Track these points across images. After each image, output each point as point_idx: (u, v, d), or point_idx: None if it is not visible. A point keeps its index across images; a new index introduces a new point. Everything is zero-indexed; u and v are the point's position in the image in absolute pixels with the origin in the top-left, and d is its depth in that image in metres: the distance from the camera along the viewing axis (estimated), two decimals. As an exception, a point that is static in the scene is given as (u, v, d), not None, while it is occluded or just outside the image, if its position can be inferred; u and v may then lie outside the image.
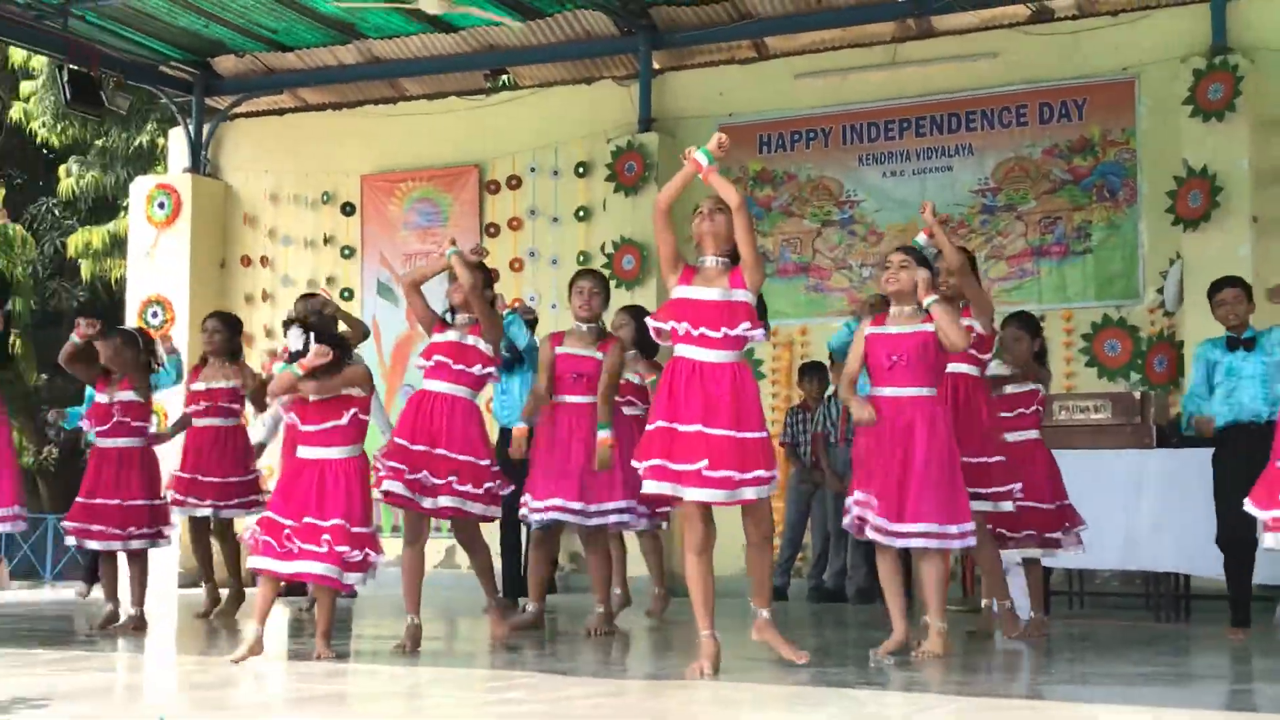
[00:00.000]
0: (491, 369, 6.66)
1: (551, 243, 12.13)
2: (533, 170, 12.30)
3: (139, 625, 7.59)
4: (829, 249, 11.35)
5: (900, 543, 6.09)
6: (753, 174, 11.63)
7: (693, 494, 5.46)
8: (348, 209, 12.94)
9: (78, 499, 7.73)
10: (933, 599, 6.14)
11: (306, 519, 6.07)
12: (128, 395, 7.73)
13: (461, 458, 6.54)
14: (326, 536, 6.04)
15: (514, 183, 12.37)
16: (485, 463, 6.61)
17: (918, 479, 6.02)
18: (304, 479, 6.13)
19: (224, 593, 8.71)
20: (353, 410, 6.19)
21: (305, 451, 6.18)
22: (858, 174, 11.30)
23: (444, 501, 6.51)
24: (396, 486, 6.43)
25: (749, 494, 5.48)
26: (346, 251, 12.89)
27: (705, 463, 5.43)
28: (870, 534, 6.12)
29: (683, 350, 5.58)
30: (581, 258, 11.86)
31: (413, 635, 6.48)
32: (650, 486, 5.52)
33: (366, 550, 6.10)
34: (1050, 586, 8.44)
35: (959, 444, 6.23)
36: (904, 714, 4.60)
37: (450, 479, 6.51)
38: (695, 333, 5.55)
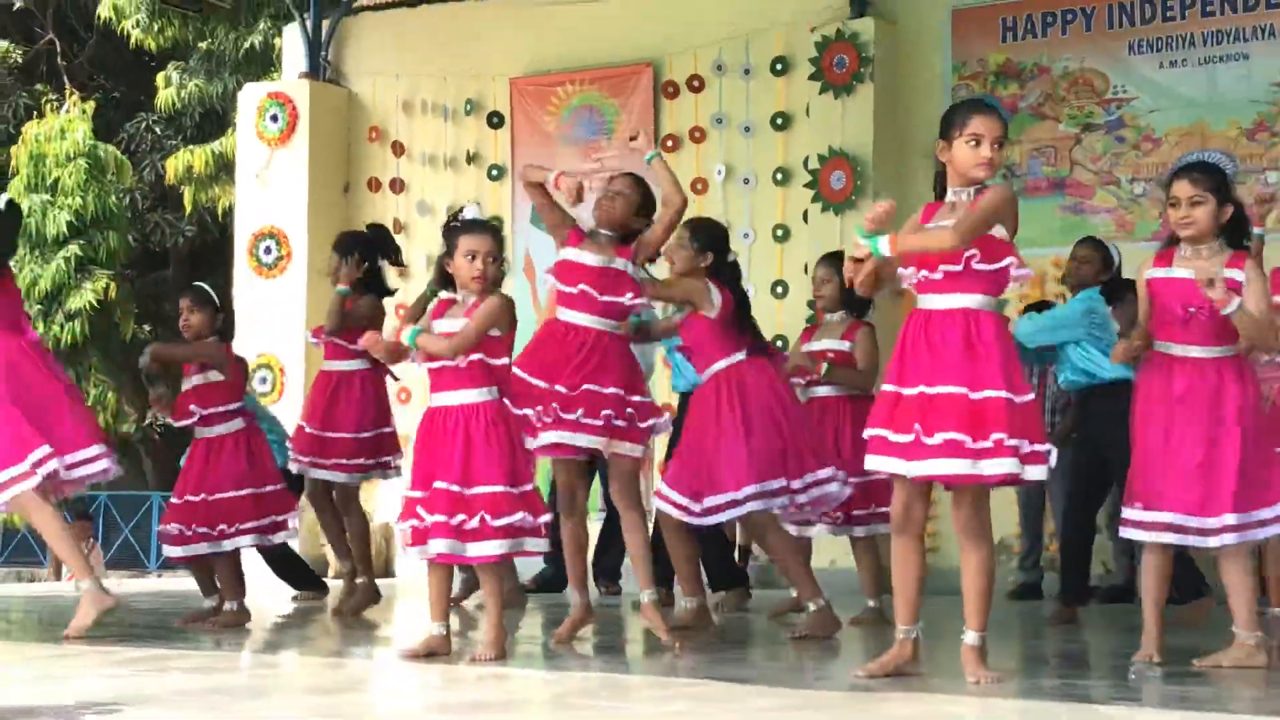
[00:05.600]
0: (640, 300, 6.89)
1: (742, 158, 11.90)
2: (719, 69, 12.08)
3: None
4: (1091, 159, 10.99)
5: (1211, 542, 5.96)
6: (994, 67, 11.29)
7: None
8: (495, 120, 12.86)
9: None
10: (1241, 603, 6.01)
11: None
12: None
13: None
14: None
15: (696, 84, 12.17)
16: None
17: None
18: None
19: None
20: None
21: None
22: (1128, 65, 10.91)
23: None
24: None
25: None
26: (494, 172, 12.83)
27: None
28: (1156, 536, 6.02)
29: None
30: (780, 175, 11.67)
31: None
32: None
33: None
34: None
35: None
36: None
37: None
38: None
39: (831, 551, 10.52)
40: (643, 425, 6.75)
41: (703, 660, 6.34)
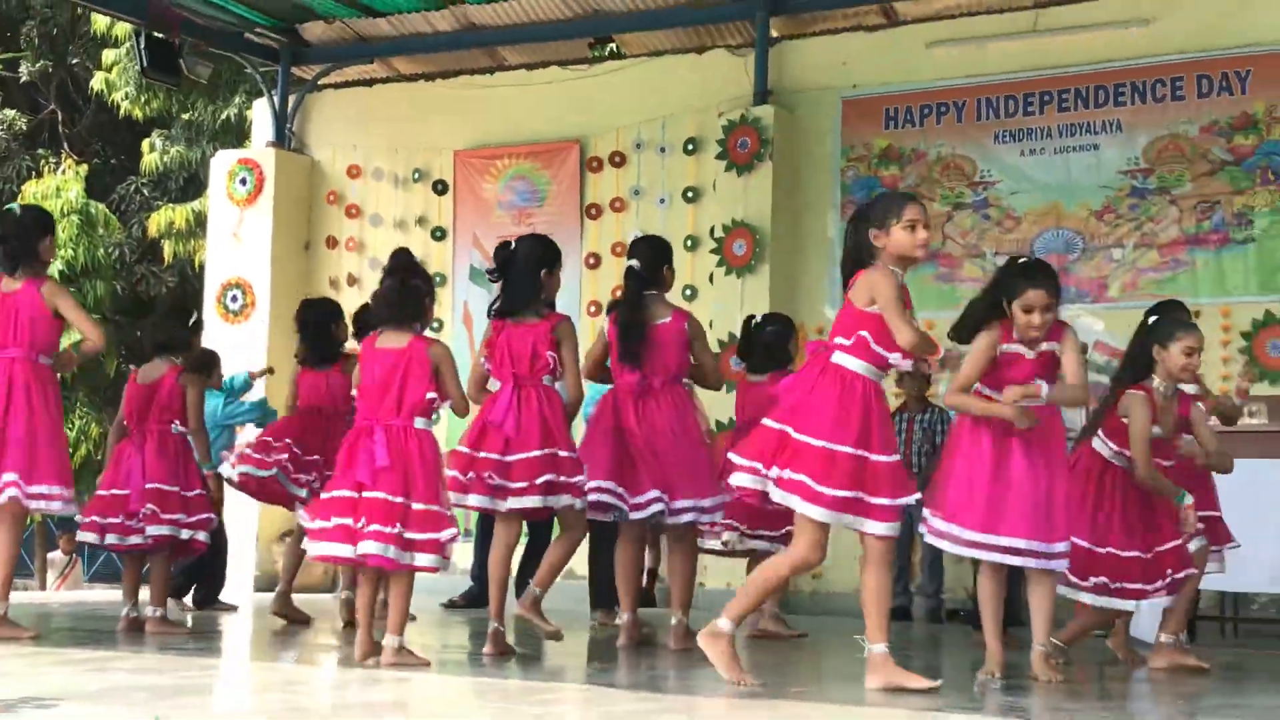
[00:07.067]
0: None
1: (657, 225, 11.75)
2: (638, 146, 12.13)
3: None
4: (960, 235, 11.04)
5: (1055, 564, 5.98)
6: (878, 151, 11.38)
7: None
8: (440, 187, 12.87)
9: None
10: (1040, 621, 6.05)
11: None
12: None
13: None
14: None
15: (618, 160, 12.22)
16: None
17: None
18: None
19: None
20: None
21: None
22: (993, 152, 11.00)
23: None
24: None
25: None
26: (438, 233, 12.82)
27: None
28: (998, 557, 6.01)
29: None
30: (690, 242, 11.70)
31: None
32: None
33: None
34: (1198, 611, 8.16)
35: None
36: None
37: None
38: None
39: (730, 575, 10.55)
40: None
41: (591, 668, 6.32)
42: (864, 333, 5.47)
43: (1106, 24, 10.75)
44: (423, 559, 6.03)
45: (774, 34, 11.77)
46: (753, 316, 8.53)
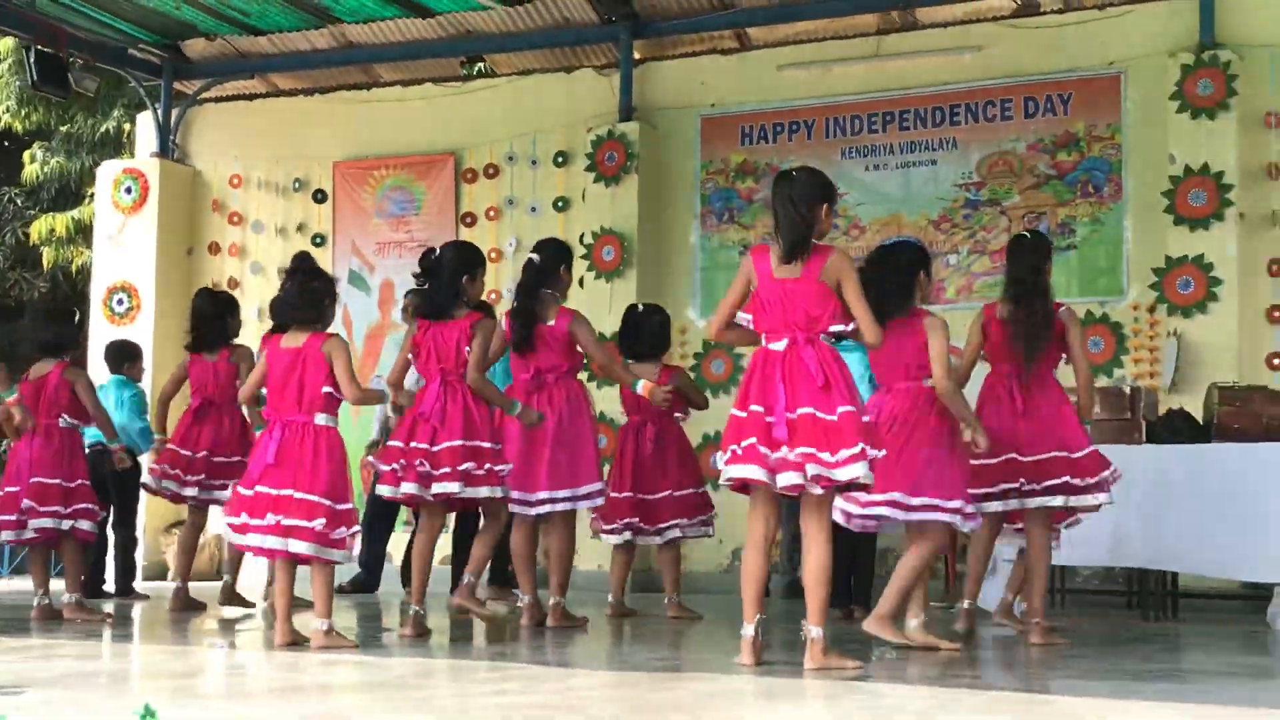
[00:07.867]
0: None
1: (530, 233, 11.70)
2: (510, 159, 12.14)
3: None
4: (810, 242, 11.18)
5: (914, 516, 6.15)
6: (734, 166, 11.53)
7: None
8: (319, 196, 12.74)
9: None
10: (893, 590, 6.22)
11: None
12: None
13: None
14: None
15: (491, 172, 12.21)
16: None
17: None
18: None
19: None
20: None
21: None
22: (840, 167, 11.18)
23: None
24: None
25: None
26: (318, 239, 12.68)
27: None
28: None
29: None
30: (560, 248, 11.74)
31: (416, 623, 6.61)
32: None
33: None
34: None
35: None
36: (923, 708, 4.48)
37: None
38: None
39: (600, 557, 10.61)
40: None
41: (529, 646, 6.30)
42: (855, 322, 5.38)
43: (942, 50, 11.03)
44: (295, 545, 6.09)
45: (637, 56, 11.88)
46: (635, 306, 8.49)
